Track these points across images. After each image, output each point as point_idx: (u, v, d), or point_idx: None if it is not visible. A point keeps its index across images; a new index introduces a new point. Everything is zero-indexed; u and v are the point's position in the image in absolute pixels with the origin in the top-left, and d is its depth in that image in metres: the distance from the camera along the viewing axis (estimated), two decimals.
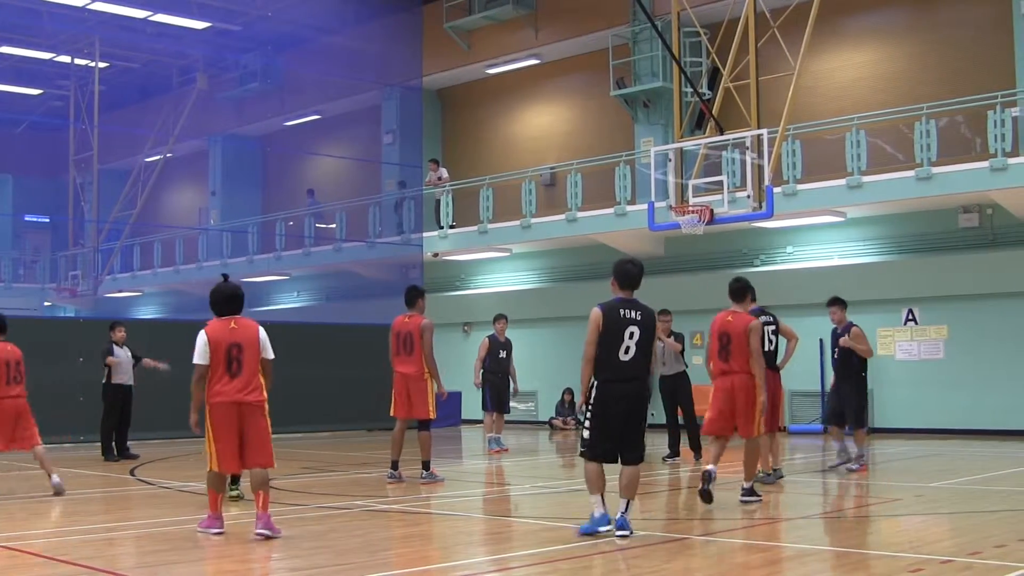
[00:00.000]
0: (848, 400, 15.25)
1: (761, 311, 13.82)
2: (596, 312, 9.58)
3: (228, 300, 10.14)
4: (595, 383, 9.64)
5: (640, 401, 9.67)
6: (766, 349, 13.45)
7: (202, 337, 9.94)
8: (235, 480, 12.27)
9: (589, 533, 9.54)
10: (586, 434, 9.69)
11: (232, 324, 10.03)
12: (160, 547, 9.48)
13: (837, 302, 15.50)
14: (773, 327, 14.25)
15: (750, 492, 12.06)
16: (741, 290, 12.47)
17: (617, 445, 9.62)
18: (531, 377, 25.68)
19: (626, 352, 9.49)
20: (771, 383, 13.39)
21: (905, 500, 12.65)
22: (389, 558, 9.18)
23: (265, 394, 10.03)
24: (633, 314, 9.56)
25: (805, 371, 23.47)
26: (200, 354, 9.91)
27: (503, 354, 20.28)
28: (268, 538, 9.58)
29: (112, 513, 12.42)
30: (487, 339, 20.36)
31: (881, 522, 11.19)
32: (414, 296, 14.62)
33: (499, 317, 20.58)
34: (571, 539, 9.57)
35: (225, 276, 10.55)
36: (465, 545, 9.78)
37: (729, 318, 12.23)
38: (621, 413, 9.54)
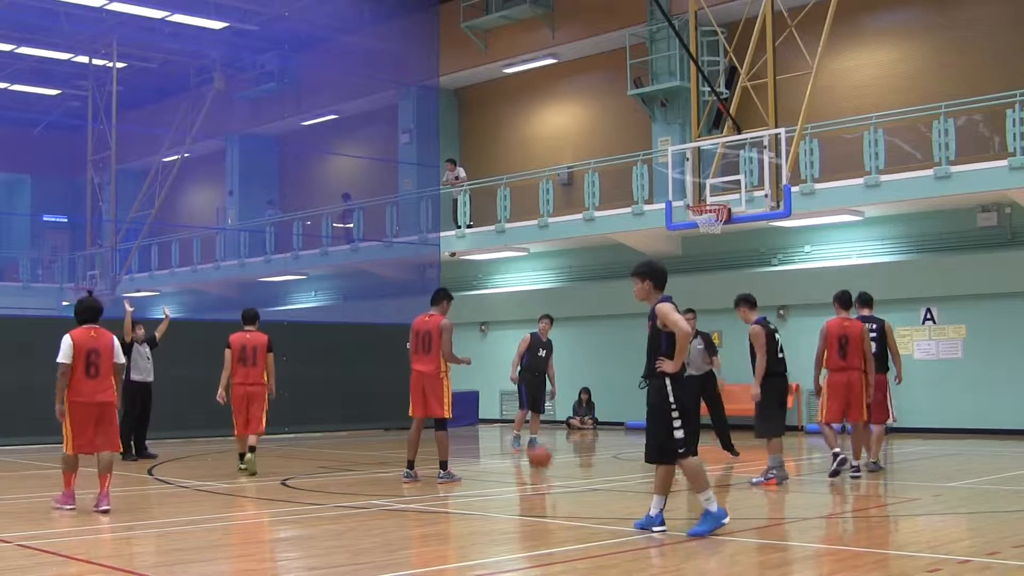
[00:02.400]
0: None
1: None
2: (674, 306, 9.94)
3: (89, 311, 11.96)
4: (670, 380, 9.88)
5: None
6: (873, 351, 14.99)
7: (67, 340, 11.64)
8: (242, 457, 15.57)
9: (713, 531, 9.57)
10: (679, 434, 9.75)
11: (92, 332, 11.76)
12: (178, 546, 9.50)
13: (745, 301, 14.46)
14: (875, 333, 15.28)
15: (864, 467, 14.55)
16: (849, 299, 14.71)
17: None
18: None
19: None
20: (880, 381, 15.03)
21: (923, 500, 12.61)
22: (406, 557, 9.18)
23: (116, 394, 11.81)
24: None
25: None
26: (64, 355, 11.60)
27: (543, 353, 20.07)
28: (106, 512, 11.30)
29: (130, 512, 12.43)
30: (529, 335, 20.15)
31: (899, 522, 11.16)
32: (440, 296, 14.65)
33: (544, 316, 20.31)
34: (587, 538, 9.57)
35: (89, 291, 12.83)
36: (482, 545, 9.78)
37: (845, 323, 14.43)
38: (696, 403, 9.94)
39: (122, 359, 11.98)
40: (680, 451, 9.73)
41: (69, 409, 11.60)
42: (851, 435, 14.73)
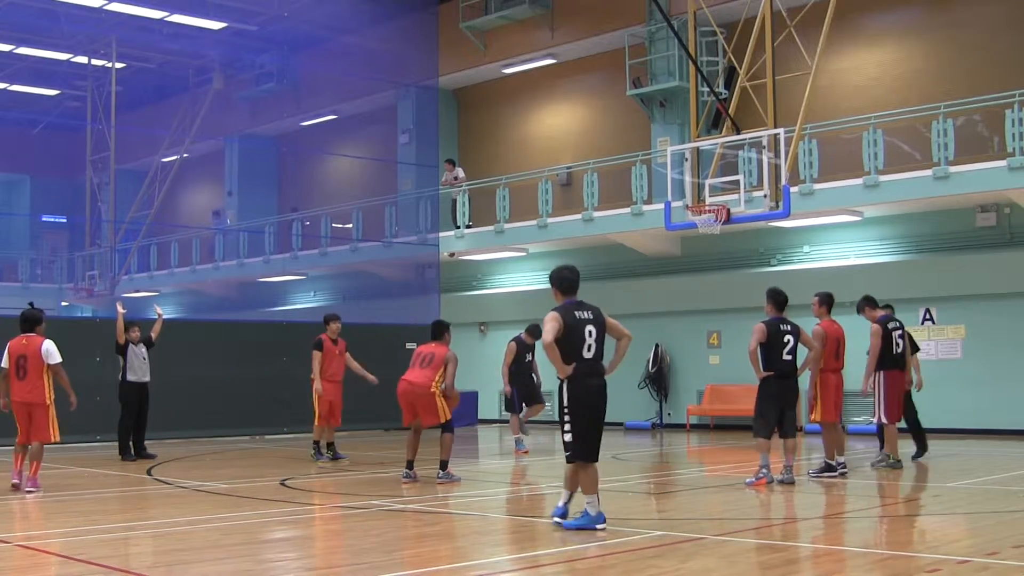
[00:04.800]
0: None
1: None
2: (555, 315, 10.02)
3: (24, 321, 13.68)
4: (566, 384, 10.05)
5: (606, 397, 10.22)
6: (896, 352, 15.80)
7: (6, 348, 13.58)
8: (330, 446, 17.77)
9: (581, 528, 9.85)
10: (567, 437, 10.02)
11: (24, 340, 13.52)
12: (177, 546, 9.50)
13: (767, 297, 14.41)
14: (900, 330, 15.96)
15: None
16: (833, 301, 15.08)
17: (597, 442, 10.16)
18: (547, 377, 25.63)
19: (588, 350, 9.99)
20: (899, 380, 15.82)
21: (922, 500, 12.62)
22: (405, 558, 9.18)
23: (46, 392, 13.42)
24: (586, 314, 10.11)
25: None
26: (4, 361, 13.60)
27: (529, 357, 20.04)
28: (30, 492, 13.09)
29: (129, 512, 12.45)
30: (513, 343, 19.97)
31: (898, 522, 11.16)
32: (442, 329, 14.74)
33: (533, 331, 20.08)
34: (587, 539, 9.56)
35: (31, 303, 14.31)
36: (481, 545, 9.78)
37: (835, 325, 14.77)
38: (598, 408, 10.09)
39: (55, 359, 13.43)
40: (567, 454, 10.04)
41: (12, 406, 13.60)
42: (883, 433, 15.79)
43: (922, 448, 17.40)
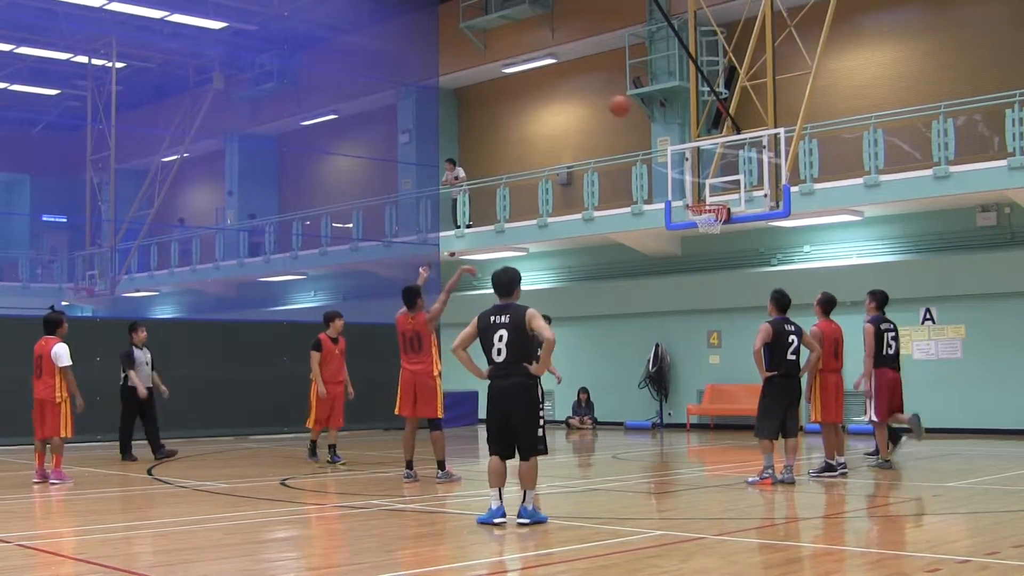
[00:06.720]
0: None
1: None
2: (474, 320, 10.51)
3: (44, 323, 14.74)
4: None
5: (520, 397, 10.43)
6: (886, 352, 15.65)
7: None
8: (331, 448, 17.12)
9: (484, 522, 10.42)
10: (485, 432, 10.65)
11: (43, 342, 14.52)
12: (177, 546, 9.49)
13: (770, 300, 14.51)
14: (893, 332, 15.81)
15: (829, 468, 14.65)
16: (834, 304, 15.20)
17: (509, 440, 10.56)
18: (547, 377, 25.63)
19: (498, 354, 10.37)
20: (889, 379, 15.59)
21: (922, 500, 12.61)
22: (405, 557, 9.18)
23: (56, 391, 14.32)
24: (501, 318, 10.37)
25: None
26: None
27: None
28: (55, 484, 14.02)
29: (130, 512, 12.45)
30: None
31: (898, 522, 11.16)
32: (413, 297, 14.73)
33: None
34: (588, 538, 9.57)
35: (52, 307, 15.46)
36: (481, 544, 9.77)
37: (833, 326, 14.86)
38: (499, 410, 10.47)
39: (63, 363, 14.29)
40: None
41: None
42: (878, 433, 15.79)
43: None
